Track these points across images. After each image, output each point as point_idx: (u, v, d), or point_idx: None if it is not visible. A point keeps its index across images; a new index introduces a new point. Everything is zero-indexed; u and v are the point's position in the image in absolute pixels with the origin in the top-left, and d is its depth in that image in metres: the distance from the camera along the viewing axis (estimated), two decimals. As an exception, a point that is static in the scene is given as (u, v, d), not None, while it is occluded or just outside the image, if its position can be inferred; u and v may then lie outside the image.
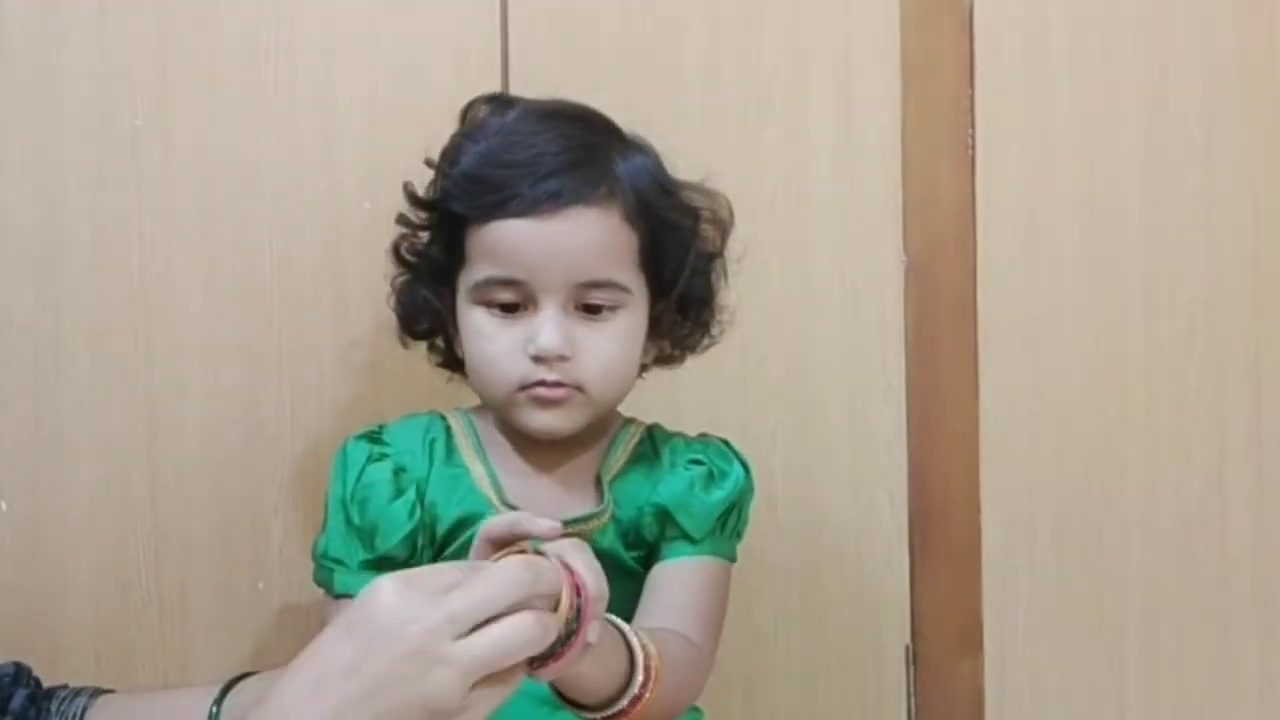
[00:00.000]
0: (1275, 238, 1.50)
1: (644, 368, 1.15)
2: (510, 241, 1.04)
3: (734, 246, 1.16)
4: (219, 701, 1.07)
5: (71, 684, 1.11)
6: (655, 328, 1.12)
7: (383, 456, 1.08)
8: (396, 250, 1.14)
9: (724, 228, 1.15)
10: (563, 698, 0.91)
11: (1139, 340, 1.49)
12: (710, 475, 1.10)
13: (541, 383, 1.05)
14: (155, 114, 1.34)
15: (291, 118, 1.36)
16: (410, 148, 1.13)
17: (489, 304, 1.07)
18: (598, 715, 0.92)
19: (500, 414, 1.10)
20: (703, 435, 1.16)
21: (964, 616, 1.47)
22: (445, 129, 1.13)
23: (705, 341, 1.17)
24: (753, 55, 1.44)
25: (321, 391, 1.36)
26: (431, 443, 1.10)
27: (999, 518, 1.47)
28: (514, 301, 1.06)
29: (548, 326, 1.04)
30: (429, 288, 1.12)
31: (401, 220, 1.13)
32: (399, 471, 1.07)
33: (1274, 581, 1.50)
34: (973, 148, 1.46)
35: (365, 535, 1.06)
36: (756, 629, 1.43)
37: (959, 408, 1.46)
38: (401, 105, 1.36)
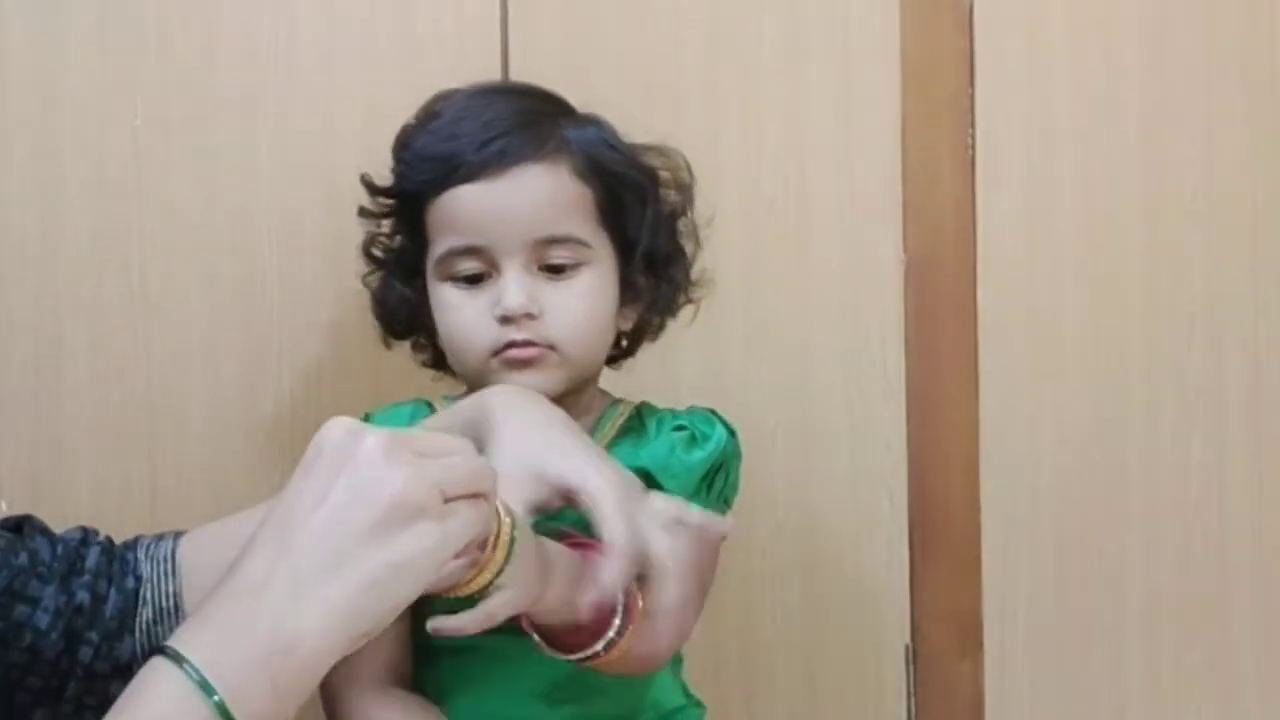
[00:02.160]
0: (1275, 238, 1.50)
1: (628, 339, 1.15)
2: (463, 208, 1.05)
3: (702, 210, 1.16)
4: None
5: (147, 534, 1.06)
6: (629, 291, 1.12)
7: None
8: (366, 248, 1.15)
9: (685, 188, 1.15)
10: (544, 639, 0.92)
11: (1139, 340, 1.49)
12: (692, 438, 1.09)
13: (512, 344, 1.05)
14: (155, 114, 1.34)
15: (291, 117, 1.36)
16: (410, 147, 1.13)
17: (454, 278, 1.07)
18: (565, 656, 0.92)
19: (479, 388, 1.08)
20: (691, 406, 1.15)
21: (964, 616, 1.47)
22: (445, 128, 1.12)
23: (681, 301, 1.16)
24: (753, 55, 1.43)
25: (321, 391, 1.36)
26: None
27: (999, 518, 1.47)
28: (478, 271, 1.07)
29: (511, 287, 1.05)
30: (402, 280, 1.13)
31: (363, 212, 1.14)
32: None
33: (1274, 581, 1.50)
34: (973, 148, 1.46)
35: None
36: (757, 630, 1.43)
37: (959, 408, 1.46)
38: (401, 104, 1.35)
